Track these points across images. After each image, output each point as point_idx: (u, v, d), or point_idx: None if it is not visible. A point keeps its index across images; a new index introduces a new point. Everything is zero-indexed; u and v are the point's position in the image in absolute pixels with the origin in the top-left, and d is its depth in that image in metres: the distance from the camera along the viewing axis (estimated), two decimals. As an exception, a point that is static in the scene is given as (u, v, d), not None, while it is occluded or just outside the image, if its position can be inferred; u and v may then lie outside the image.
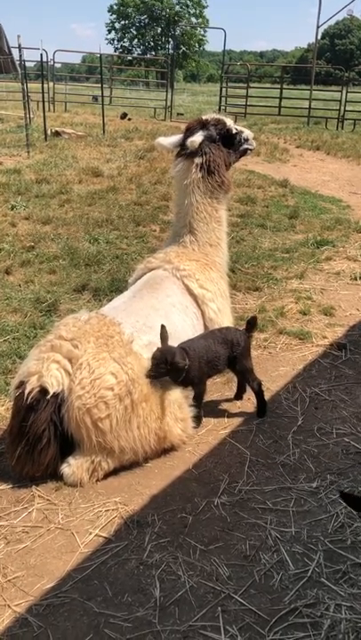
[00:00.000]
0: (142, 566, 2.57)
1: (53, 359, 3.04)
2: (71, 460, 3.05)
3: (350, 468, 3.25)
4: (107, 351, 3.08)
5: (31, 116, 14.06)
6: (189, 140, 4.01)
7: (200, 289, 3.93)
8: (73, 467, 3.03)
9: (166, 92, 24.10)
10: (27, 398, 2.95)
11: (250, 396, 3.90)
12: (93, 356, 3.04)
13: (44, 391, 2.96)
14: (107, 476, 3.11)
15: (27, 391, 2.96)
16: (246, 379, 3.70)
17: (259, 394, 3.70)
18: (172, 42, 79.11)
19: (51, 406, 2.97)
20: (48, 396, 2.96)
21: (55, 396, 2.97)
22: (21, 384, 3.03)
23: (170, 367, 3.20)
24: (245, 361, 3.63)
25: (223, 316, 4.05)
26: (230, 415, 3.73)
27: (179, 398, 3.35)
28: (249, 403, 3.87)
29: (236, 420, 3.68)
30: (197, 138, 4.00)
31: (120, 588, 2.47)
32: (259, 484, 3.10)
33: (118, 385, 3.00)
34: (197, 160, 4.05)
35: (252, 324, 3.69)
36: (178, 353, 3.26)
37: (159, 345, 3.27)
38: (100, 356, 3.05)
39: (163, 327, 3.30)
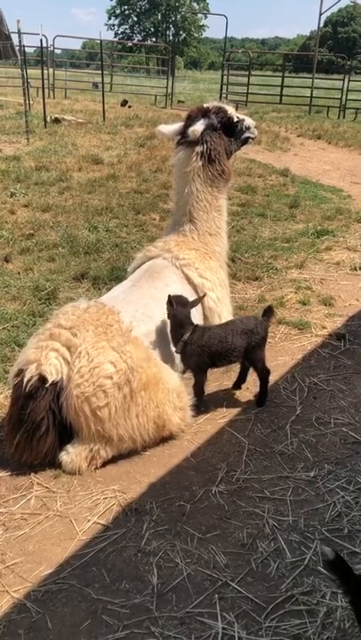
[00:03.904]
0: (140, 554, 2.58)
1: (52, 347, 3.04)
2: (70, 447, 3.06)
3: (348, 457, 3.27)
4: (105, 340, 3.08)
5: (30, 102, 13.94)
6: (191, 128, 3.98)
7: (199, 278, 3.93)
8: (71, 454, 3.04)
9: (167, 79, 23.90)
10: (25, 386, 2.95)
11: (248, 385, 3.91)
12: (92, 344, 3.04)
13: (42, 379, 2.97)
14: (105, 464, 3.12)
15: (25, 379, 2.96)
16: (257, 367, 3.70)
17: (265, 383, 3.71)
18: (172, 28, 78.44)
19: (49, 394, 2.97)
20: (47, 385, 2.96)
21: (54, 384, 2.98)
22: (20, 372, 3.03)
23: (174, 309, 3.41)
24: (261, 350, 3.65)
25: (222, 306, 4.04)
26: (229, 404, 3.74)
27: (177, 387, 3.35)
28: (248, 392, 3.88)
29: (235, 410, 3.69)
30: (199, 127, 3.97)
31: (118, 574, 2.48)
32: (257, 472, 3.12)
33: (117, 373, 3.01)
34: (198, 148, 4.02)
35: (270, 312, 3.72)
36: (188, 315, 3.47)
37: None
38: (99, 344, 3.05)
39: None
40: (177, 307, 3.45)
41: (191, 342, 3.44)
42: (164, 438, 3.31)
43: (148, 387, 3.12)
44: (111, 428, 3.02)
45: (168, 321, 3.54)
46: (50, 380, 2.96)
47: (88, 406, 2.96)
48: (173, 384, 3.32)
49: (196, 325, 3.51)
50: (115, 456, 3.14)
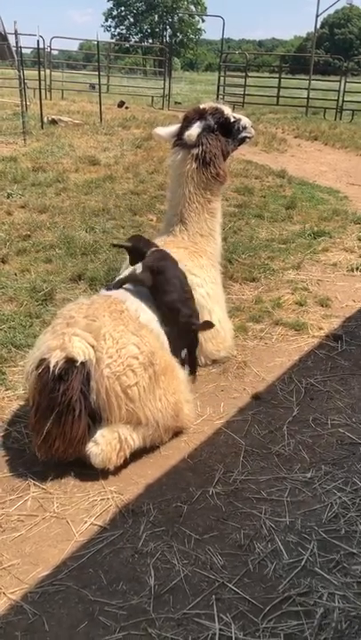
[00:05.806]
0: (137, 555, 2.58)
1: (73, 333, 3.03)
2: (98, 437, 2.98)
3: (345, 458, 3.27)
4: (123, 324, 3.13)
5: (27, 103, 13.91)
6: (187, 133, 3.99)
7: (188, 274, 3.92)
8: (101, 445, 2.96)
9: (164, 80, 23.89)
10: (53, 371, 2.89)
11: (245, 386, 3.92)
12: (113, 327, 3.08)
13: (70, 361, 2.92)
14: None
15: (52, 364, 2.90)
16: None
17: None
18: (169, 29, 78.53)
19: (80, 375, 2.92)
20: (77, 364, 2.92)
21: (82, 364, 2.94)
22: (42, 362, 2.96)
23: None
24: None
25: (214, 302, 4.06)
26: (226, 405, 3.74)
27: (186, 380, 3.47)
28: (245, 394, 3.88)
29: (232, 411, 3.69)
30: (194, 131, 3.98)
31: (115, 576, 2.48)
32: (254, 473, 3.12)
33: (142, 354, 3.06)
34: (194, 151, 4.04)
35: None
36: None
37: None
38: (119, 327, 3.10)
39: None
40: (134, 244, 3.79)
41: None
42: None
43: (166, 372, 3.20)
44: (140, 407, 3.04)
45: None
46: (79, 359, 2.92)
47: (119, 385, 2.96)
48: (183, 376, 3.42)
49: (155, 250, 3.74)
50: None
